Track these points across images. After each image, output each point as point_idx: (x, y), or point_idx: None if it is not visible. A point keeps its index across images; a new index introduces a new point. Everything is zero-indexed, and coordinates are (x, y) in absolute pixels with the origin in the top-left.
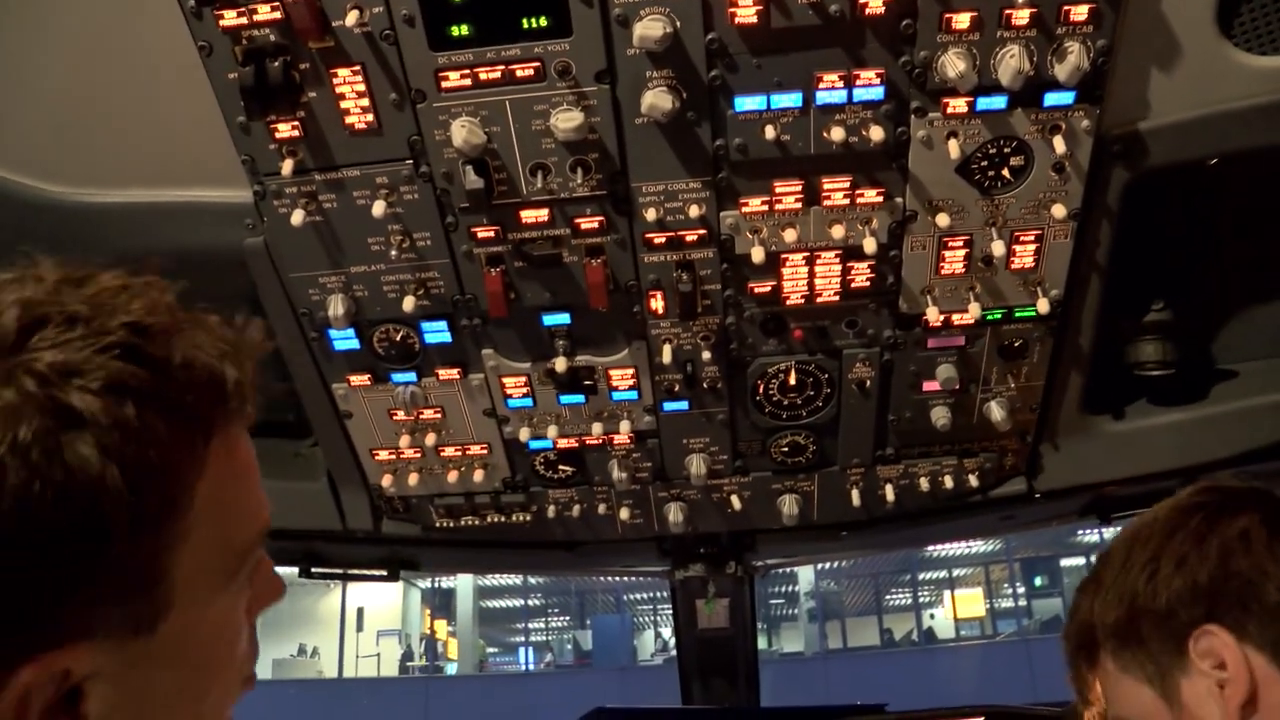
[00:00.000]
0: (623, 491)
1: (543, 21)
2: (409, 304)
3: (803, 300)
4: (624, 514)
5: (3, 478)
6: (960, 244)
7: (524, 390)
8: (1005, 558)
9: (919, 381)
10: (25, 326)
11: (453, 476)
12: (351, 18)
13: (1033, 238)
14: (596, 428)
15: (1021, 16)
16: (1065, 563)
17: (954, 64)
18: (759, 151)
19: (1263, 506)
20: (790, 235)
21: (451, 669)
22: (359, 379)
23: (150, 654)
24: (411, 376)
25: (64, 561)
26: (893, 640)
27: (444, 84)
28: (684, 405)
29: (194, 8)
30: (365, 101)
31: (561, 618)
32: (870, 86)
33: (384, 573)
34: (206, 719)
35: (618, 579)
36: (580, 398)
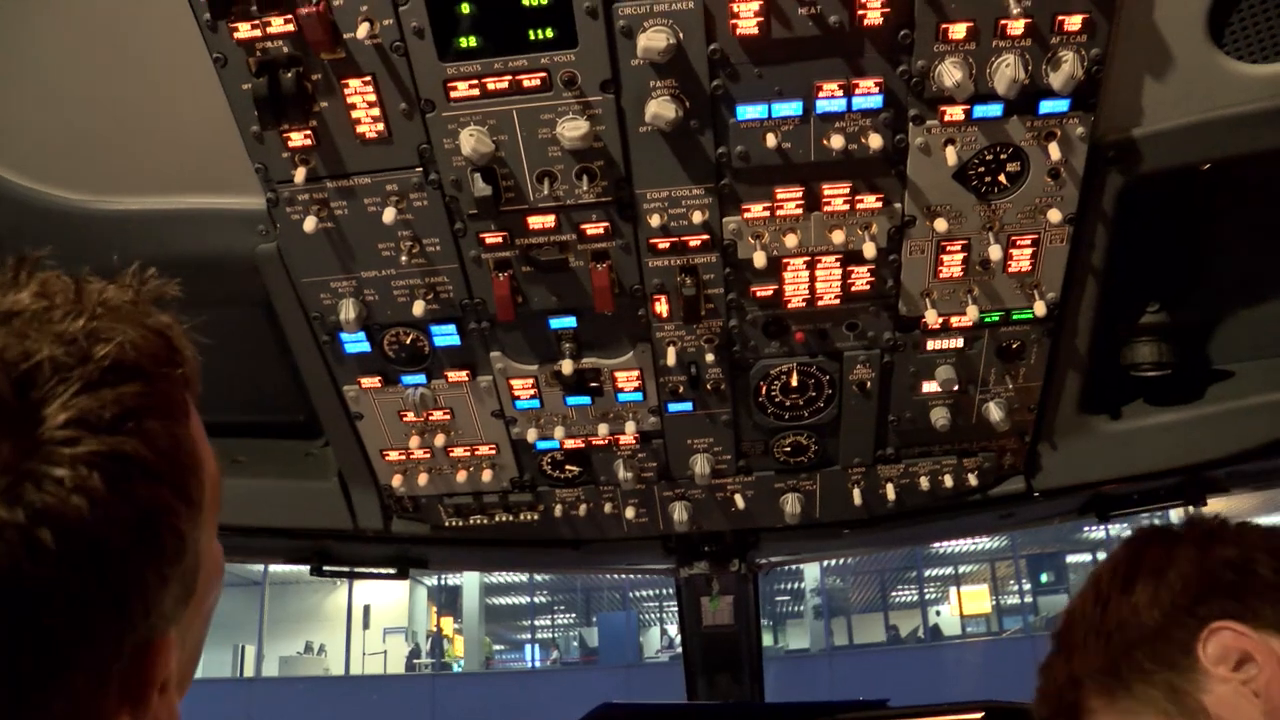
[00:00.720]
0: (628, 491)
1: (549, 33)
2: (419, 308)
3: (804, 303)
4: (629, 513)
5: (93, 536)
6: (958, 248)
7: (531, 392)
8: (1011, 554)
9: (918, 382)
10: (18, 385)
11: (461, 476)
12: (362, 30)
13: (1029, 242)
14: (602, 428)
15: (1016, 27)
16: (1071, 559)
17: (951, 73)
18: (760, 159)
19: (1211, 518)
20: (791, 240)
21: (458, 666)
22: (370, 381)
23: (193, 608)
24: (421, 378)
25: (159, 575)
26: (898, 637)
27: (453, 94)
28: (688, 406)
29: (209, 21)
30: (376, 111)
31: (568, 615)
32: (869, 95)
33: (393, 571)
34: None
35: (624, 576)
36: (586, 399)
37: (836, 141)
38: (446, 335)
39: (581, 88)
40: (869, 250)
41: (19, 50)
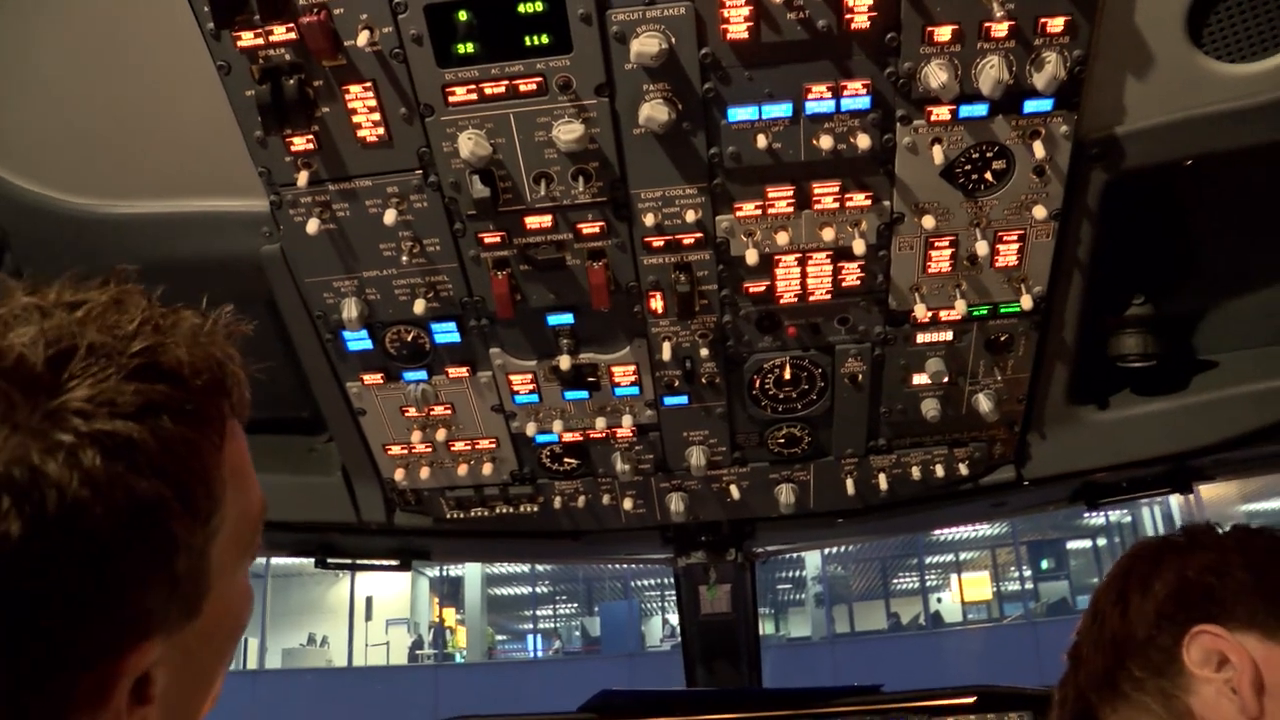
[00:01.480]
0: (626, 482)
1: (544, 39)
2: (419, 306)
3: (796, 299)
4: (627, 504)
5: (82, 512)
6: (946, 244)
7: (530, 387)
8: (1012, 541)
9: (909, 375)
10: (52, 362)
11: (463, 470)
12: (363, 38)
13: (1016, 237)
14: (600, 422)
15: (1000, 29)
16: (1071, 545)
17: (937, 74)
18: (752, 159)
19: (1202, 527)
20: (783, 238)
21: (460, 657)
22: (372, 378)
23: (196, 632)
24: (422, 375)
25: (139, 574)
26: (900, 624)
27: (451, 99)
28: (684, 400)
29: (213, 29)
30: (376, 116)
31: (569, 605)
32: (857, 96)
33: (396, 563)
34: (225, 670)
35: (625, 566)
36: (584, 393)
37: (826, 142)
38: (447, 333)
39: (576, 92)
40: (859, 247)
41: (25, 57)
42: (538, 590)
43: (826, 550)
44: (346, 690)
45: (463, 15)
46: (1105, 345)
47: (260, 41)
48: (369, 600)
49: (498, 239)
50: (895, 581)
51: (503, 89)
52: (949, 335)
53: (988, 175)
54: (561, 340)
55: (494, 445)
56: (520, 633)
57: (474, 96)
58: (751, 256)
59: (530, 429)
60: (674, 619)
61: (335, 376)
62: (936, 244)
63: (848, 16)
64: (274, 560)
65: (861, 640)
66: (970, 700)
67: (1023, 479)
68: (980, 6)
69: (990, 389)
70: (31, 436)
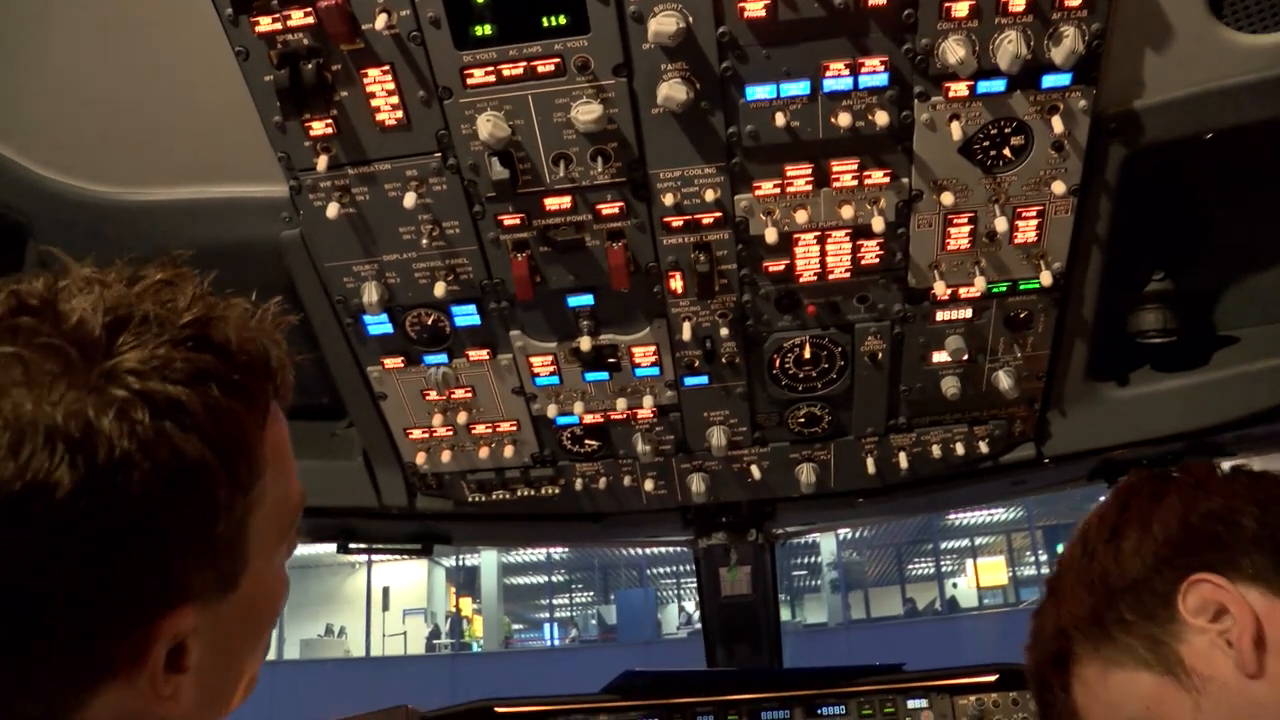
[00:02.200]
0: (647, 464)
1: (562, 20)
2: (439, 289)
3: (815, 277)
4: (648, 485)
5: (130, 468)
6: (965, 221)
7: (551, 369)
8: (1027, 525)
9: (929, 353)
10: (109, 328)
11: (484, 453)
12: (380, 21)
13: (1034, 213)
14: (620, 403)
15: (1018, 3)
16: None
17: (954, 50)
18: (770, 137)
19: (1204, 465)
20: (802, 216)
21: (477, 646)
22: (392, 362)
23: (232, 607)
24: (443, 358)
25: (181, 535)
26: (915, 610)
27: (469, 81)
28: (704, 380)
29: (231, 15)
30: (395, 99)
31: (585, 593)
32: (875, 73)
33: (418, 547)
34: (261, 655)
35: (641, 552)
36: (605, 375)
37: (844, 119)
38: (467, 315)
39: (595, 72)
40: (878, 224)
41: (45, 46)
42: (554, 579)
43: (842, 536)
44: (364, 680)
45: None
46: (1125, 321)
47: (278, 26)
48: (386, 590)
49: (517, 221)
50: (910, 567)
51: (521, 70)
52: (968, 312)
53: (1006, 151)
54: (581, 321)
55: (515, 428)
56: (537, 622)
57: (492, 78)
58: (771, 235)
59: (551, 411)
60: (690, 606)
61: (356, 361)
62: (955, 221)
63: None
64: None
65: (877, 626)
66: (992, 679)
67: (1043, 456)
68: None
69: (1010, 366)
70: (88, 392)
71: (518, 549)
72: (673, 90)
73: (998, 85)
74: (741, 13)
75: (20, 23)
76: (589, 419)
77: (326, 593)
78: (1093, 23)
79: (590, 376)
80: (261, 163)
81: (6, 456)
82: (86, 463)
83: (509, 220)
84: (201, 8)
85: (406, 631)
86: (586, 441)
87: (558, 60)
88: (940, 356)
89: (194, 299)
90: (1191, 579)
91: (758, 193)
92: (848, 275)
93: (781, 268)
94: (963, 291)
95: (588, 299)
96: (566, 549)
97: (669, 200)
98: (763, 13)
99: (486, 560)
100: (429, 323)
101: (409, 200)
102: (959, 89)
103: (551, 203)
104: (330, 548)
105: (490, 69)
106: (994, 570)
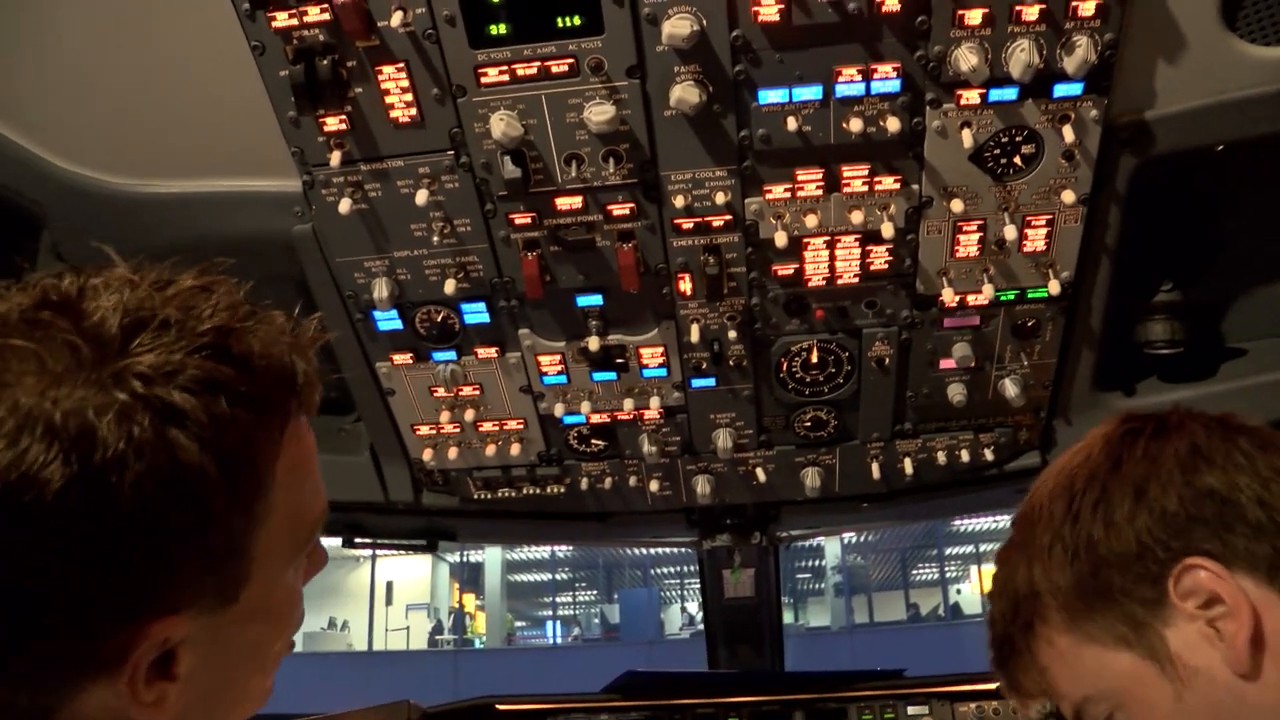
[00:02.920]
0: (652, 464)
1: (576, 21)
2: (450, 286)
3: (824, 282)
4: (654, 486)
5: (123, 470)
6: (974, 228)
7: (559, 368)
8: None
9: (936, 359)
10: (126, 330)
11: (490, 450)
12: (396, 18)
13: (1044, 222)
14: (628, 403)
15: (1031, 12)
16: None
17: (967, 58)
18: (782, 141)
19: (1197, 418)
20: (812, 220)
21: (480, 643)
22: (401, 358)
23: (231, 620)
24: (452, 355)
25: (172, 542)
26: (919, 615)
27: (483, 80)
28: (711, 382)
29: (247, 10)
30: (409, 96)
31: (589, 592)
32: (887, 80)
33: (423, 543)
34: (265, 675)
35: (645, 553)
36: (612, 375)
37: (855, 125)
38: (476, 313)
39: (608, 73)
40: (887, 230)
41: (61, 38)
42: (558, 577)
43: (846, 540)
44: (366, 674)
45: None
46: (1132, 332)
47: (294, 22)
48: (389, 585)
49: (528, 220)
50: (915, 572)
51: (535, 70)
52: (976, 320)
53: (1016, 159)
54: (590, 321)
55: (522, 426)
56: (540, 619)
57: (506, 77)
58: (780, 239)
59: (558, 410)
60: (693, 607)
61: (365, 356)
62: (965, 228)
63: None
64: None
65: (880, 630)
66: (992, 686)
67: (1048, 465)
68: None
69: (1016, 374)
70: (92, 391)
71: (522, 546)
72: (685, 93)
73: (1009, 94)
74: (755, 17)
75: (38, 13)
76: (596, 419)
77: (330, 586)
78: (1105, 33)
79: (598, 376)
80: (275, 157)
81: (7, 446)
82: (80, 461)
83: (520, 219)
84: (218, 2)
85: (409, 626)
86: (593, 441)
87: (572, 61)
88: (947, 363)
89: (221, 308)
90: (1186, 563)
91: (768, 196)
92: (856, 280)
93: (790, 272)
94: (971, 299)
95: (597, 299)
96: (571, 547)
97: (680, 202)
98: (776, 17)
99: (491, 557)
100: (438, 320)
101: (421, 197)
102: (971, 97)
103: (563, 202)
104: (335, 542)
105: (504, 68)
106: None
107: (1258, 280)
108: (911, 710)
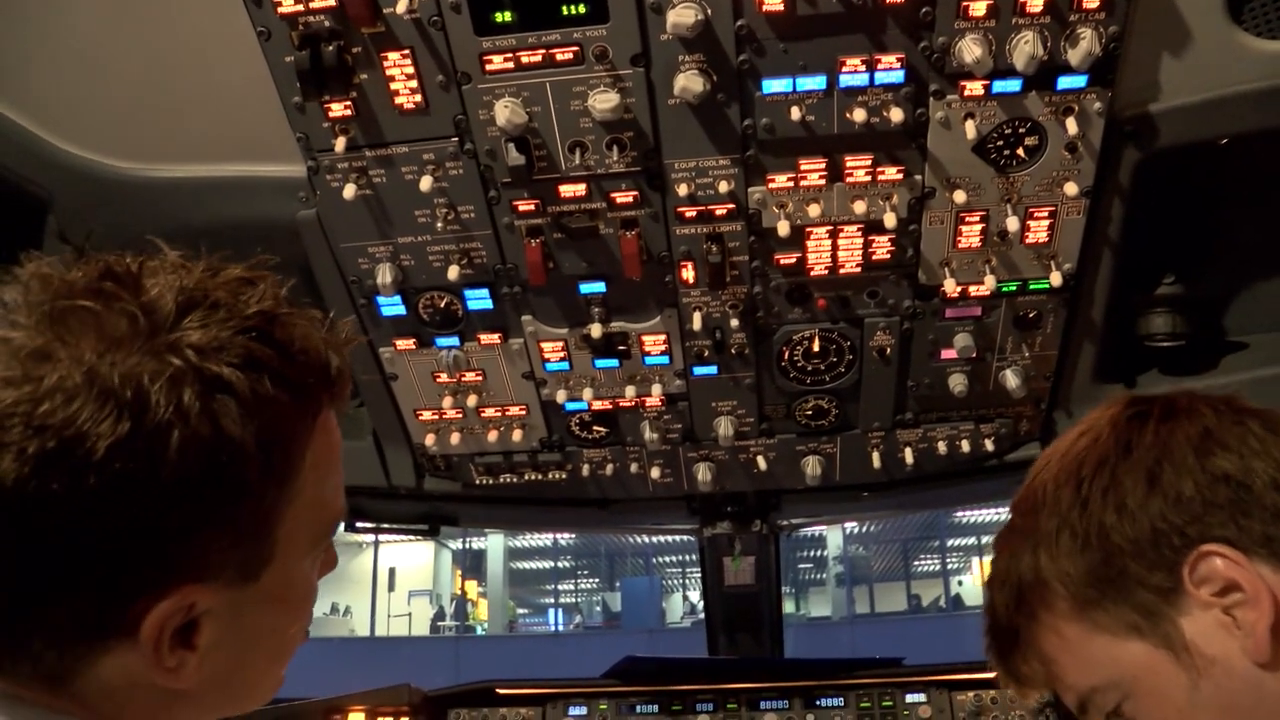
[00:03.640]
0: (654, 452)
1: (581, 9)
2: (453, 273)
3: (826, 271)
4: (655, 473)
5: (169, 434)
6: (977, 219)
7: (561, 354)
8: None
9: (937, 349)
10: (180, 306)
11: (492, 436)
12: (401, 5)
13: (1046, 214)
14: (629, 390)
15: (1035, 4)
16: None
17: (971, 49)
18: (785, 131)
19: (1205, 401)
20: (815, 210)
21: (481, 629)
22: (405, 343)
23: (251, 599)
24: (454, 341)
25: (208, 510)
26: (920, 606)
27: (488, 67)
28: (713, 370)
29: None
30: (414, 83)
31: (591, 580)
32: (891, 70)
33: (425, 527)
34: (277, 662)
35: (647, 541)
36: (614, 362)
37: (859, 115)
38: (480, 299)
39: (613, 61)
40: (890, 220)
41: (68, 23)
42: (559, 565)
43: (848, 530)
44: (368, 659)
45: None
46: (1134, 324)
47: (300, 8)
48: (392, 571)
49: (532, 207)
50: (916, 563)
51: (539, 58)
52: (978, 310)
53: (1020, 151)
54: (593, 308)
55: (524, 412)
56: (542, 606)
57: (511, 65)
58: (783, 228)
59: (560, 396)
60: (694, 595)
61: (368, 341)
62: (967, 219)
63: None
64: None
65: (882, 621)
66: (992, 675)
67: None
68: None
69: (1018, 365)
70: (147, 358)
71: (524, 533)
72: (690, 81)
73: (1013, 85)
74: (760, 6)
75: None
76: (598, 405)
77: (333, 572)
78: (1110, 25)
79: (600, 363)
80: (280, 143)
81: (64, 403)
82: (132, 421)
83: (524, 206)
84: None
85: (411, 613)
86: (595, 428)
87: (576, 49)
88: (949, 353)
89: (266, 297)
90: (1202, 549)
91: (771, 185)
92: (859, 270)
93: (793, 261)
94: (973, 289)
95: (600, 286)
96: (573, 535)
97: (683, 190)
98: (781, 7)
99: (493, 544)
100: (442, 305)
101: (425, 184)
102: (974, 88)
103: (566, 190)
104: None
105: (509, 55)
106: None
107: (1260, 274)
108: (910, 698)
